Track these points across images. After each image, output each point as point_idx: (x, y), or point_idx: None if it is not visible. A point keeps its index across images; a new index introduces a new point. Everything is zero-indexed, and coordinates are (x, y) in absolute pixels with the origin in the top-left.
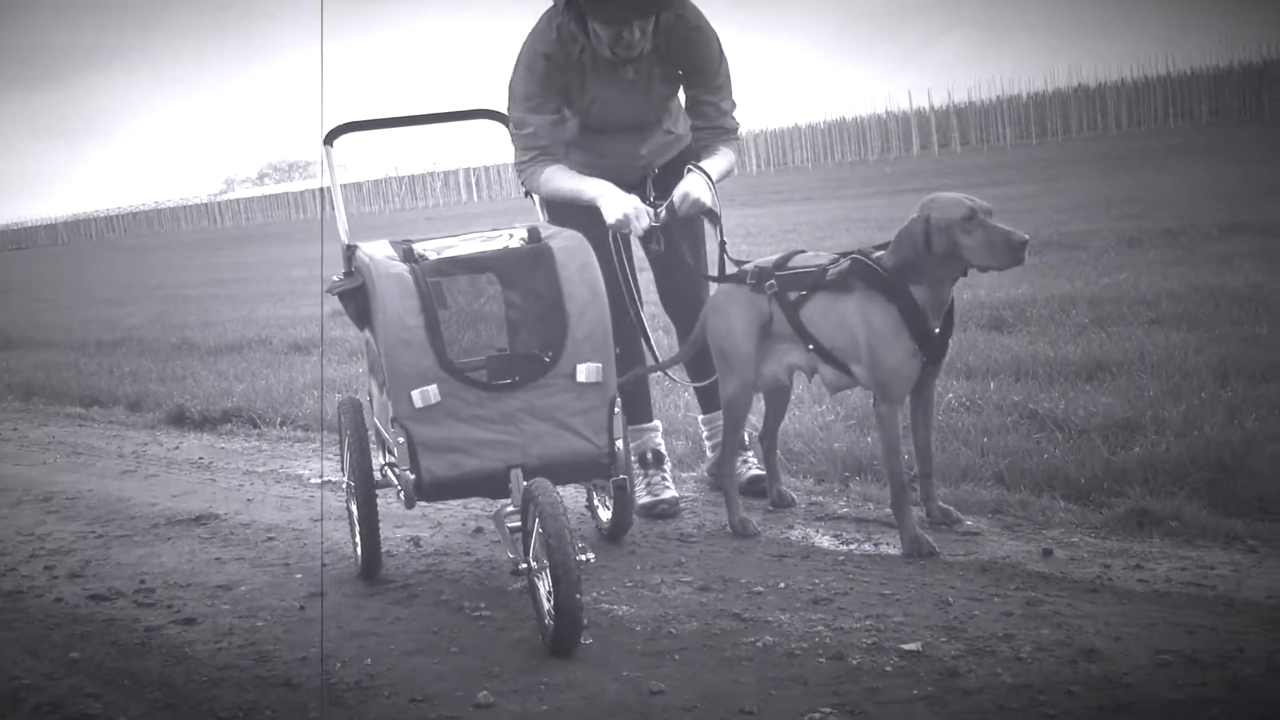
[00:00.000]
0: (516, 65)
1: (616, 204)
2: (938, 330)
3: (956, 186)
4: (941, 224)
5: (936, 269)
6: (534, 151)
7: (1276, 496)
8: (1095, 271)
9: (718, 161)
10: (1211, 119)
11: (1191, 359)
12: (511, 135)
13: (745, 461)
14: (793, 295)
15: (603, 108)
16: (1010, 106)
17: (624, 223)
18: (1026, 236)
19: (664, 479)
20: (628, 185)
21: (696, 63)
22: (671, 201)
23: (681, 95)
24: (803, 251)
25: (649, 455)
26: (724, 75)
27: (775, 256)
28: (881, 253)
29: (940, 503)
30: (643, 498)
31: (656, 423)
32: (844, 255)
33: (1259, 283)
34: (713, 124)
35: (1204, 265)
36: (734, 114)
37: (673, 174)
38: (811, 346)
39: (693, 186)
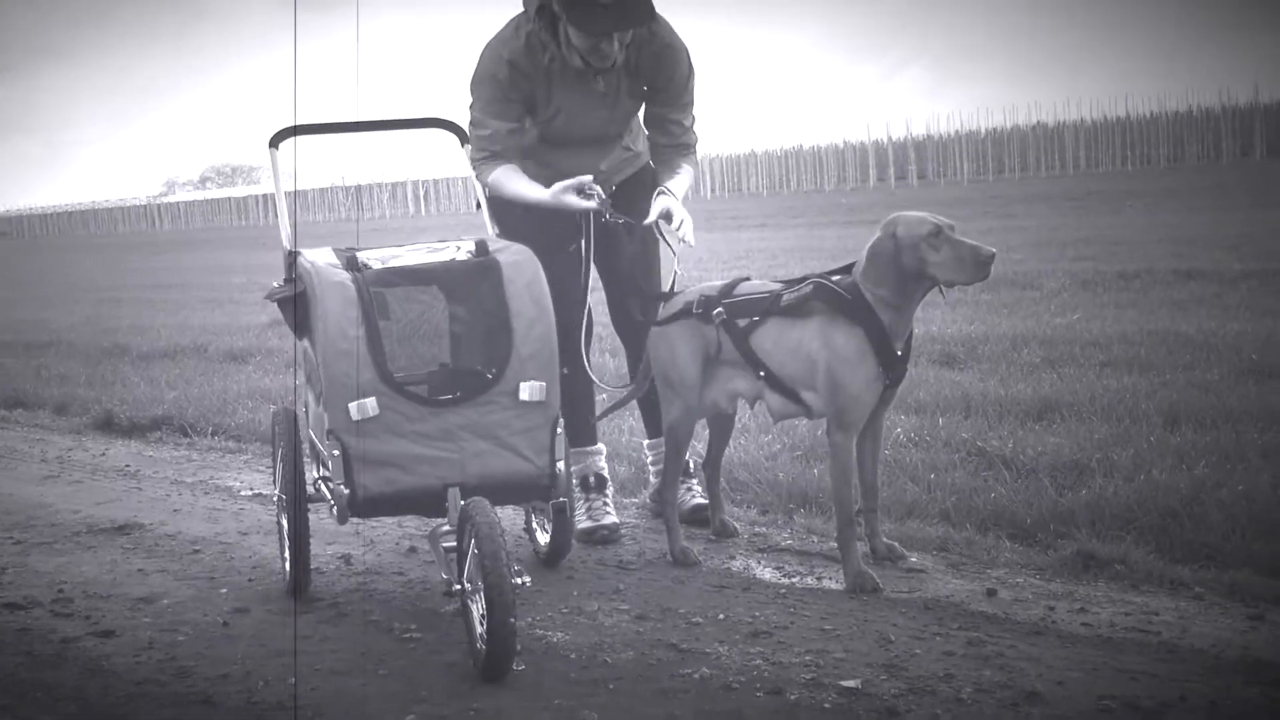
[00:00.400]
0: (478, 66)
1: (566, 183)
2: (899, 352)
3: None
4: (908, 240)
5: (905, 288)
6: (487, 153)
7: (1223, 544)
8: (1048, 311)
9: (682, 180)
10: (1169, 164)
11: (1142, 403)
12: (469, 130)
13: (689, 489)
14: (742, 322)
15: (566, 119)
16: (968, 141)
17: (582, 185)
18: (993, 250)
19: (605, 504)
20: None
21: (666, 79)
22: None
23: (640, 112)
24: (748, 279)
25: (591, 479)
26: (690, 93)
27: (720, 284)
28: (840, 277)
29: (885, 539)
30: (583, 522)
31: (601, 446)
32: (794, 281)
33: (1211, 329)
34: (676, 140)
35: (1157, 310)
36: (694, 128)
37: (629, 192)
38: (762, 374)
39: (675, 208)
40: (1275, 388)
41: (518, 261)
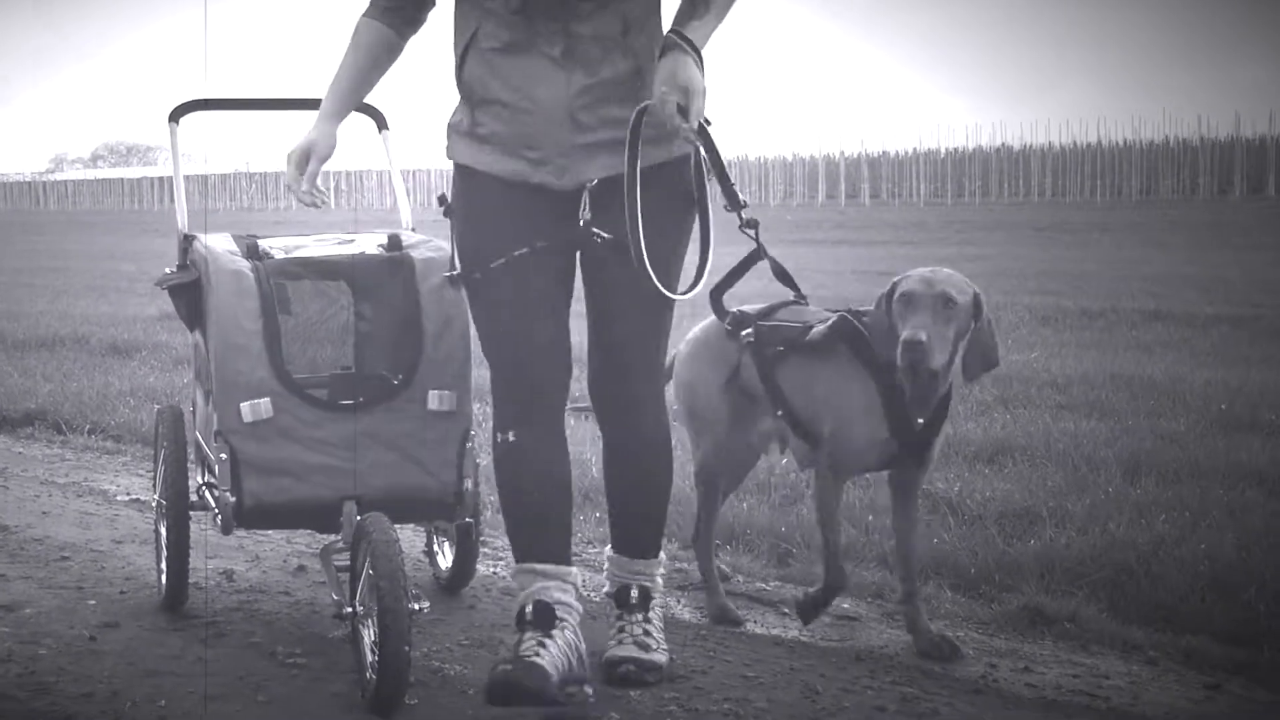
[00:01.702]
0: None
1: (304, 141)
2: (921, 422)
3: (862, 242)
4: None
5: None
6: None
7: (1181, 606)
8: (1004, 347)
9: (708, 21)
10: (1142, 197)
11: (1100, 451)
12: None
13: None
14: (770, 351)
15: None
16: (927, 161)
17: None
18: (918, 338)
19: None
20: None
21: None
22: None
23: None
24: (796, 303)
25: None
26: None
27: (762, 306)
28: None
29: (933, 628)
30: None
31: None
32: (833, 312)
33: (1179, 375)
34: None
35: (1122, 352)
36: None
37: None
38: (780, 412)
39: (683, 71)
40: (1244, 442)
41: (433, 259)
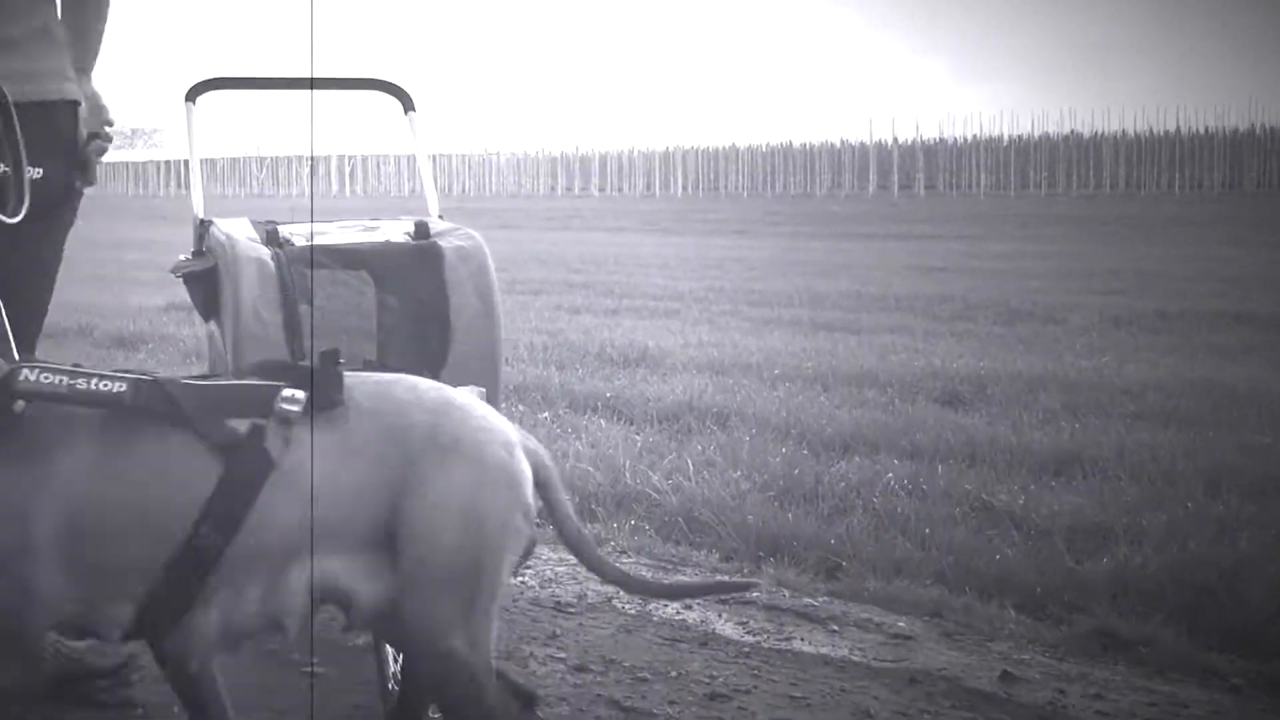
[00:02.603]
0: None
1: None
2: None
3: (916, 236)
4: None
5: None
6: None
7: (1267, 630)
8: (1072, 351)
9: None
10: (1225, 190)
11: (1179, 463)
12: None
13: None
14: None
15: None
16: (988, 149)
17: None
18: None
19: None
20: None
21: None
22: None
23: None
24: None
25: None
26: None
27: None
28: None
29: None
30: None
31: None
32: None
33: (1264, 383)
34: None
35: (1201, 356)
36: None
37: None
38: None
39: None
40: None
41: (464, 248)
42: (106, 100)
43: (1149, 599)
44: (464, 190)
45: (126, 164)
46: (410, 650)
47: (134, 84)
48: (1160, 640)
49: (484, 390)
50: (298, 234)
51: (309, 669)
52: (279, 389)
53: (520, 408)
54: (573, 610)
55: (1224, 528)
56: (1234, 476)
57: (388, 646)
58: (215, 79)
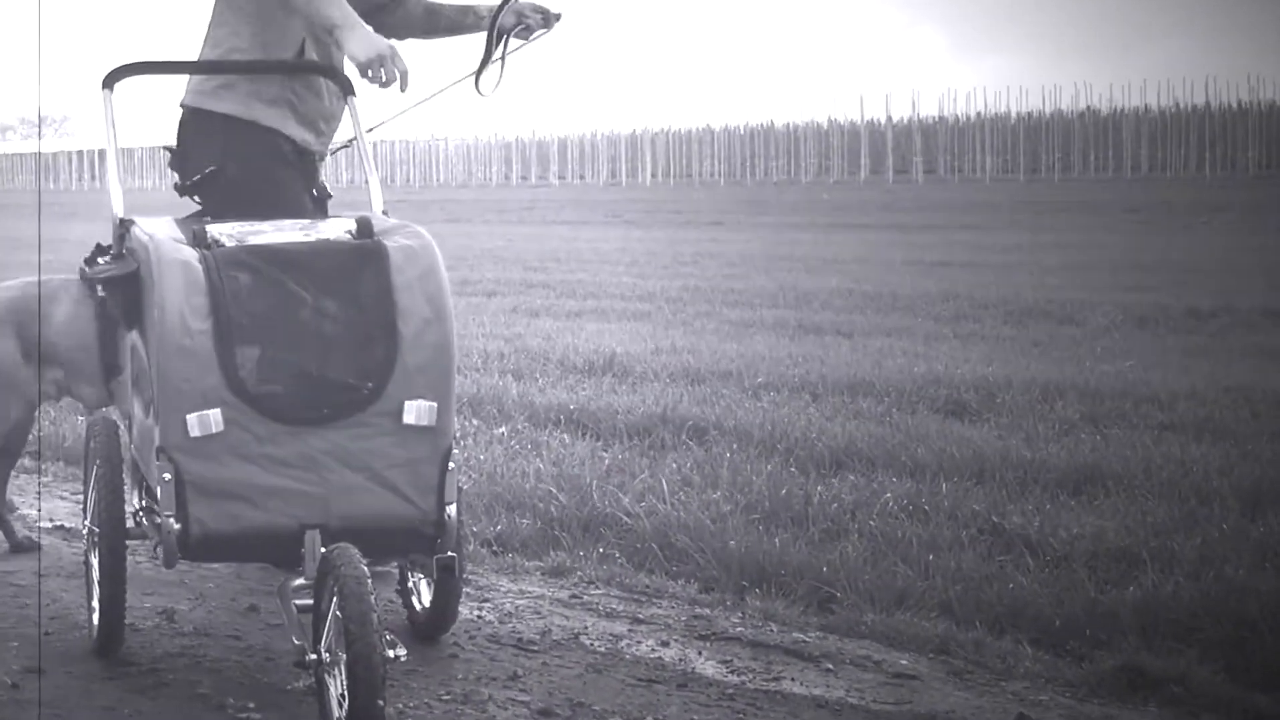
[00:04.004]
0: None
1: (373, 35)
2: None
3: (915, 227)
4: None
5: None
6: None
7: None
8: (1092, 355)
9: None
10: (1262, 171)
11: (1214, 480)
12: None
13: None
14: None
15: None
16: (994, 128)
17: (385, 61)
18: None
19: None
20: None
21: None
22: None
23: None
24: None
25: None
26: None
27: None
28: None
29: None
30: None
31: None
32: None
33: None
34: None
35: (1239, 360)
36: None
37: None
38: None
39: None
40: None
41: (410, 247)
42: (16, 87)
43: (1182, 632)
44: (409, 180)
45: (35, 155)
46: None
47: (40, 68)
48: (1195, 678)
49: (435, 405)
50: (228, 234)
51: (244, 714)
52: None
53: (475, 422)
54: (536, 648)
55: (1265, 552)
56: (1276, 494)
57: (332, 691)
58: (134, 64)
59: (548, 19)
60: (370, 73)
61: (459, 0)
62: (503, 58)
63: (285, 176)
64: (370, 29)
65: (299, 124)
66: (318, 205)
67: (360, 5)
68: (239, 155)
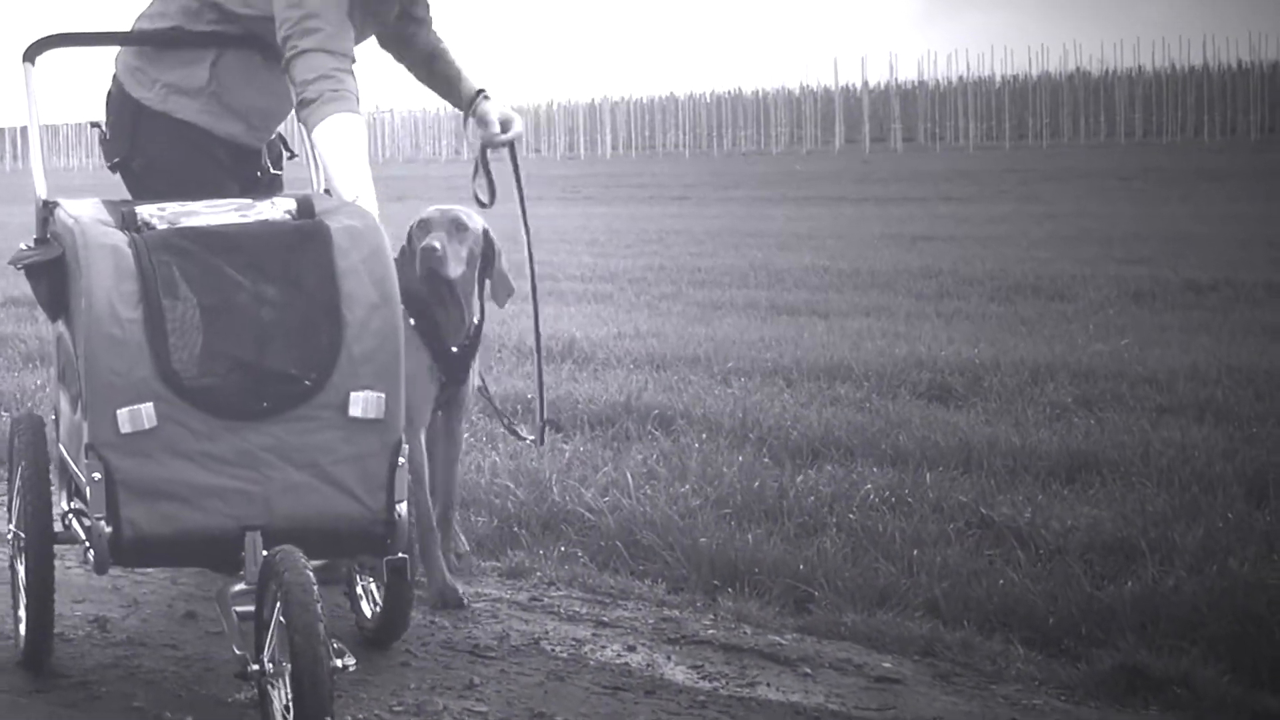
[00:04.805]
0: None
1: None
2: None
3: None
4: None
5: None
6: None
7: None
8: (1085, 333)
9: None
10: (1264, 135)
11: (1217, 465)
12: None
13: None
14: None
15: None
16: (977, 92)
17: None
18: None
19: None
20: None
21: None
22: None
23: None
24: None
25: None
26: None
27: None
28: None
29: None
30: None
31: None
32: None
33: None
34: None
35: (1242, 337)
36: None
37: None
38: None
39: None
40: None
41: (354, 228)
42: None
43: (1184, 629)
44: None
45: None
46: None
47: None
48: (1198, 679)
49: (383, 396)
50: (159, 216)
51: None
52: None
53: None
54: (493, 654)
55: (1272, 542)
56: None
57: (276, 703)
58: (57, 35)
59: (507, 124)
60: None
61: (453, 68)
62: (486, 171)
63: (200, 173)
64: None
65: (224, 116)
66: (269, 185)
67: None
68: (146, 149)
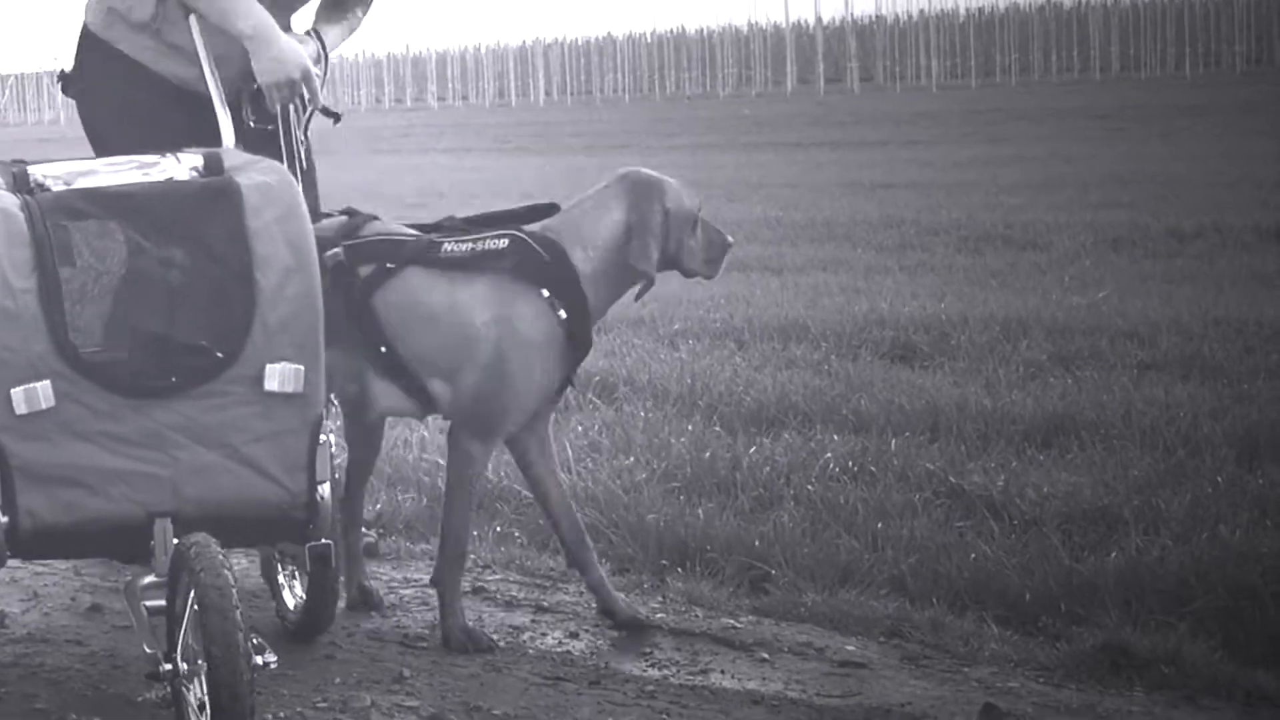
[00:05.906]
0: None
1: (288, 53)
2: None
3: (850, 143)
4: (680, 217)
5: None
6: None
7: None
8: (1060, 285)
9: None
10: (1251, 67)
11: (1204, 426)
12: None
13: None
14: (366, 271)
15: None
16: (939, 27)
17: (295, 86)
18: (732, 240)
19: None
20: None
21: None
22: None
23: None
24: (378, 219)
25: None
26: None
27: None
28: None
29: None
30: None
31: None
32: (441, 228)
33: None
34: None
35: (1229, 286)
36: None
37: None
38: (384, 349)
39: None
40: None
41: (267, 184)
42: None
43: (1171, 603)
44: None
45: None
46: None
47: None
48: (1187, 656)
49: (301, 368)
50: (54, 176)
51: None
52: None
53: None
54: (424, 645)
55: (1265, 507)
56: (1275, 441)
57: (190, 702)
58: None
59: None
60: (272, 95)
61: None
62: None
63: (138, 109)
64: (288, 41)
65: (167, 54)
66: (265, 140)
67: None
68: (86, 74)
